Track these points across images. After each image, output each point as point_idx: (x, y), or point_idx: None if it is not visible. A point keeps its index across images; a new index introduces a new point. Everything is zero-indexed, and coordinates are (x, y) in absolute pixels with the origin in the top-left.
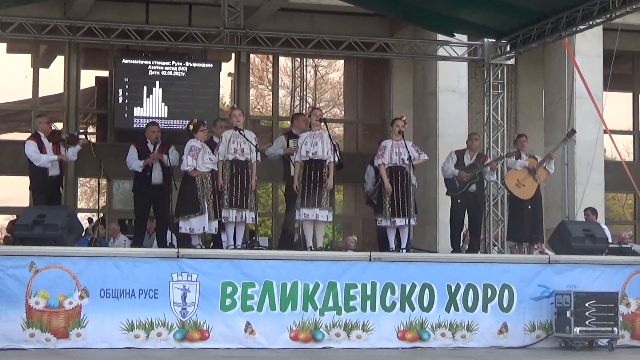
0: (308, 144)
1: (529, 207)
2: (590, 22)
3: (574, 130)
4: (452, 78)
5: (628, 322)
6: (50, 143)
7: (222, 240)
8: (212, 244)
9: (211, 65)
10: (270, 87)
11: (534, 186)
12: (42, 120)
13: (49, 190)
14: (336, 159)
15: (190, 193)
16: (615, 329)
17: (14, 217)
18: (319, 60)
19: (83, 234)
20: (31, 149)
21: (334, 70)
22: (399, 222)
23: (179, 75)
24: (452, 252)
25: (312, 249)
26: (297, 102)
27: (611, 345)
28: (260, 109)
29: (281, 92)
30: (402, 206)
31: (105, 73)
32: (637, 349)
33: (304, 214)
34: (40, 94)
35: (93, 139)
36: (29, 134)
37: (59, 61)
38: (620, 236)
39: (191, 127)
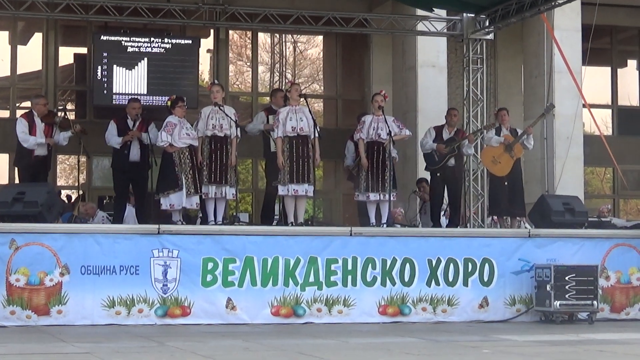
0: (293, 119)
1: (506, 183)
2: None
3: (552, 105)
4: (431, 53)
5: (607, 295)
6: (43, 124)
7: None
8: (199, 219)
9: (190, 42)
10: (249, 63)
11: (510, 162)
12: (39, 102)
13: (33, 169)
14: (316, 134)
15: (169, 169)
16: (595, 302)
17: None
18: (298, 36)
19: (64, 211)
20: (20, 129)
21: (313, 46)
22: (373, 196)
23: (158, 51)
24: (432, 226)
25: (293, 224)
26: (276, 78)
27: (591, 318)
28: (240, 85)
29: (260, 68)
30: (378, 181)
31: (84, 50)
32: (616, 322)
33: (293, 189)
34: (19, 71)
35: (72, 116)
36: (7, 112)
37: (37, 38)
38: (599, 210)
39: (169, 103)
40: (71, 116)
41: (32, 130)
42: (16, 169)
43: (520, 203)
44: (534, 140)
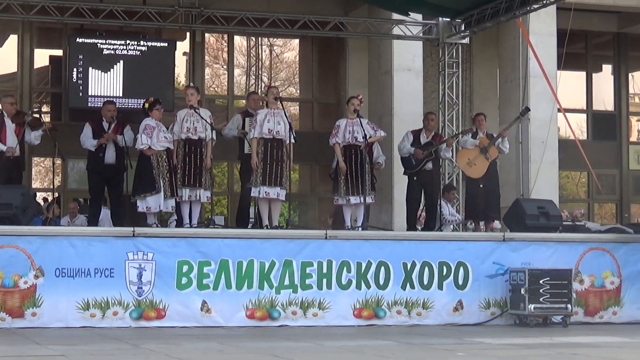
0: (271, 122)
1: (481, 185)
2: (544, 1)
3: (527, 109)
4: (407, 57)
5: (581, 298)
6: (14, 125)
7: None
8: (175, 221)
9: (166, 44)
10: (225, 66)
11: (486, 165)
12: (6, 101)
13: (6, 170)
14: (292, 140)
15: (146, 172)
16: (569, 305)
17: None
18: (274, 39)
19: (37, 215)
20: None
21: (289, 50)
22: (354, 199)
23: (134, 54)
24: (407, 230)
25: (268, 227)
26: (252, 81)
27: (565, 321)
28: (216, 88)
29: (236, 71)
30: (357, 184)
31: (59, 52)
32: (590, 325)
33: (265, 192)
34: None
35: (47, 118)
36: None
37: (13, 40)
38: (572, 214)
39: (146, 105)
40: (46, 118)
41: (1, 131)
42: None
43: (495, 206)
44: (509, 144)
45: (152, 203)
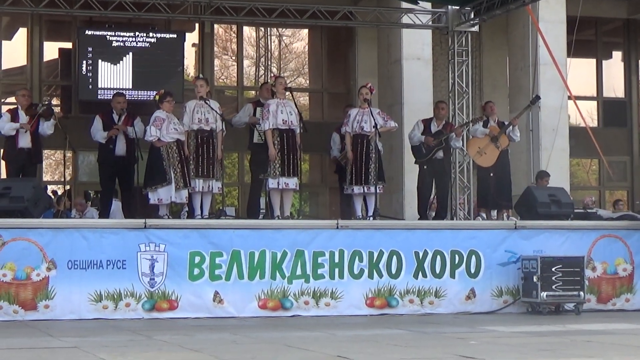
0: (284, 112)
1: (491, 174)
2: None
3: (538, 97)
4: (416, 46)
5: (594, 286)
6: (27, 116)
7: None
8: (186, 213)
9: (175, 36)
10: (234, 57)
11: (496, 153)
12: (19, 93)
13: (18, 162)
14: (301, 130)
15: (157, 164)
16: (582, 293)
17: None
18: (283, 29)
19: (49, 208)
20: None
21: (299, 40)
22: (357, 189)
23: (143, 46)
24: (419, 219)
25: (280, 217)
26: (261, 72)
27: (577, 309)
28: (225, 80)
29: (246, 62)
30: (364, 173)
31: (68, 45)
32: (603, 313)
33: (285, 182)
34: (3, 67)
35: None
36: None
37: (22, 33)
38: (583, 201)
39: (157, 97)
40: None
41: (14, 122)
42: (3, 163)
43: (507, 195)
44: (520, 132)
45: (164, 195)
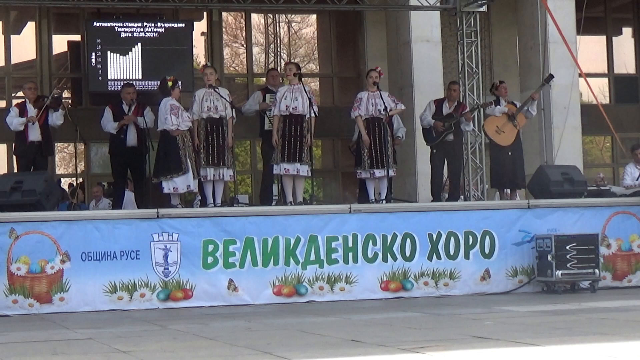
0: (288, 98)
1: (509, 153)
2: None
3: (551, 75)
4: (425, 28)
5: (609, 263)
6: (35, 109)
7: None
8: (199, 202)
9: (183, 25)
10: (244, 45)
11: (514, 132)
12: (26, 87)
13: (29, 155)
14: (313, 115)
15: (172, 152)
16: (597, 270)
17: None
18: (292, 15)
19: (62, 200)
20: (7, 115)
21: (307, 25)
22: (378, 173)
23: (152, 36)
24: (432, 201)
25: (292, 203)
26: (271, 59)
27: (593, 287)
28: (235, 67)
29: (255, 49)
30: (380, 157)
31: (77, 37)
32: (618, 290)
33: (284, 168)
34: (13, 61)
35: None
36: (4, 102)
37: (30, 27)
38: (595, 180)
39: (170, 83)
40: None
41: (23, 116)
42: (14, 157)
43: (521, 174)
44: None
45: (180, 184)
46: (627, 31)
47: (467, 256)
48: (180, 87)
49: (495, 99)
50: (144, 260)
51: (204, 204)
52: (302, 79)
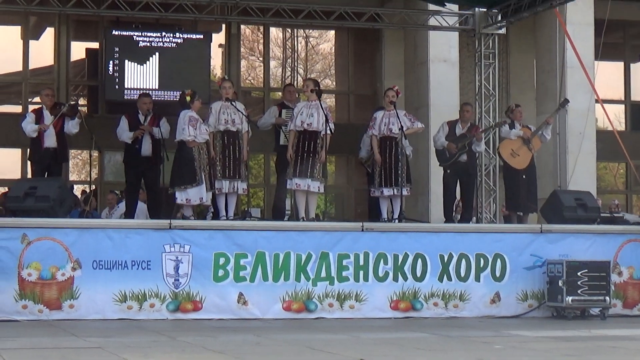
0: (304, 114)
1: (524, 176)
2: None
3: (567, 100)
4: (443, 48)
5: (620, 291)
6: (52, 116)
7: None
8: (212, 214)
9: (202, 37)
10: (261, 59)
11: (529, 156)
12: (43, 93)
13: (44, 161)
14: (329, 132)
15: (187, 163)
16: (607, 297)
17: (6, 189)
18: (310, 30)
19: (74, 207)
20: (23, 120)
21: (325, 41)
22: (387, 192)
23: (170, 46)
24: (444, 222)
25: (305, 219)
26: (288, 73)
27: (603, 314)
28: (252, 81)
29: (272, 63)
30: (392, 176)
31: (95, 45)
32: (628, 318)
33: (296, 183)
34: (31, 66)
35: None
36: (20, 107)
37: (49, 33)
38: (608, 206)
39: (188, 98)
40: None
41: (39, 122)
42: (29, 162)
43: (535, 198)
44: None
45: (193, 195)
46: None
47: (477, 278)
48: (200, 100)
49: (510, 122)
50: (155, 271)
51: (216, 216)
52: (319, 95)
